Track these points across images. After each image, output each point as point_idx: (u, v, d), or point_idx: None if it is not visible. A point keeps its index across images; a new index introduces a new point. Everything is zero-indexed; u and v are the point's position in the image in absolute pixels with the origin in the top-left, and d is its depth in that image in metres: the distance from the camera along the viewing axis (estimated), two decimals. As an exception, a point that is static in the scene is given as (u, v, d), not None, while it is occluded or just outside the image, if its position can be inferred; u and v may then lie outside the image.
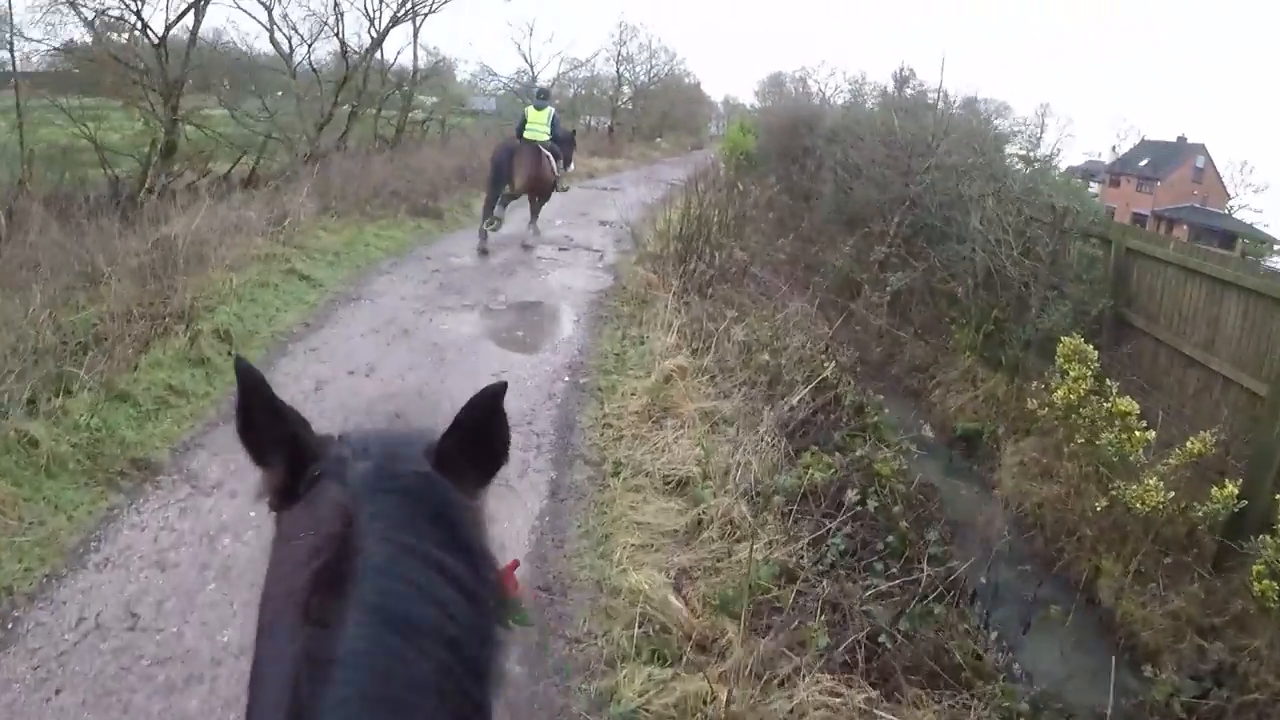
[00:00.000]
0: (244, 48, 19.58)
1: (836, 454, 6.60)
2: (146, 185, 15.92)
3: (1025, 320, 10.38)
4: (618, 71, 41.02)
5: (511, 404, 1.15)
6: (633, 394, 7.18)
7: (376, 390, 6.93)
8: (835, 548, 5.37)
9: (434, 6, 20.91)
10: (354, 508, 0.99)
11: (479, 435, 1.10)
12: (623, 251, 13.96)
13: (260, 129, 18.10)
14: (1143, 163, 58.98)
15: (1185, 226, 49.32)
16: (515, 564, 1.19)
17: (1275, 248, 48.59)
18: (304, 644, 0.92)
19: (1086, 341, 8.23)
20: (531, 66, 33.05)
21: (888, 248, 13.62)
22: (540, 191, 13.80)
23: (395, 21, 19.95)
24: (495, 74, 33.38)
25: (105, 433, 5.68)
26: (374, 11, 19.83)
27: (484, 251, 12.53)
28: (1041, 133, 34.20)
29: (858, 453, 6.49)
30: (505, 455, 1.13)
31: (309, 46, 19.16)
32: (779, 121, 28.28)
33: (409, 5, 19.93)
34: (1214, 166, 58.41)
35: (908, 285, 12.51)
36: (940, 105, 15.42)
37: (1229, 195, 59.42)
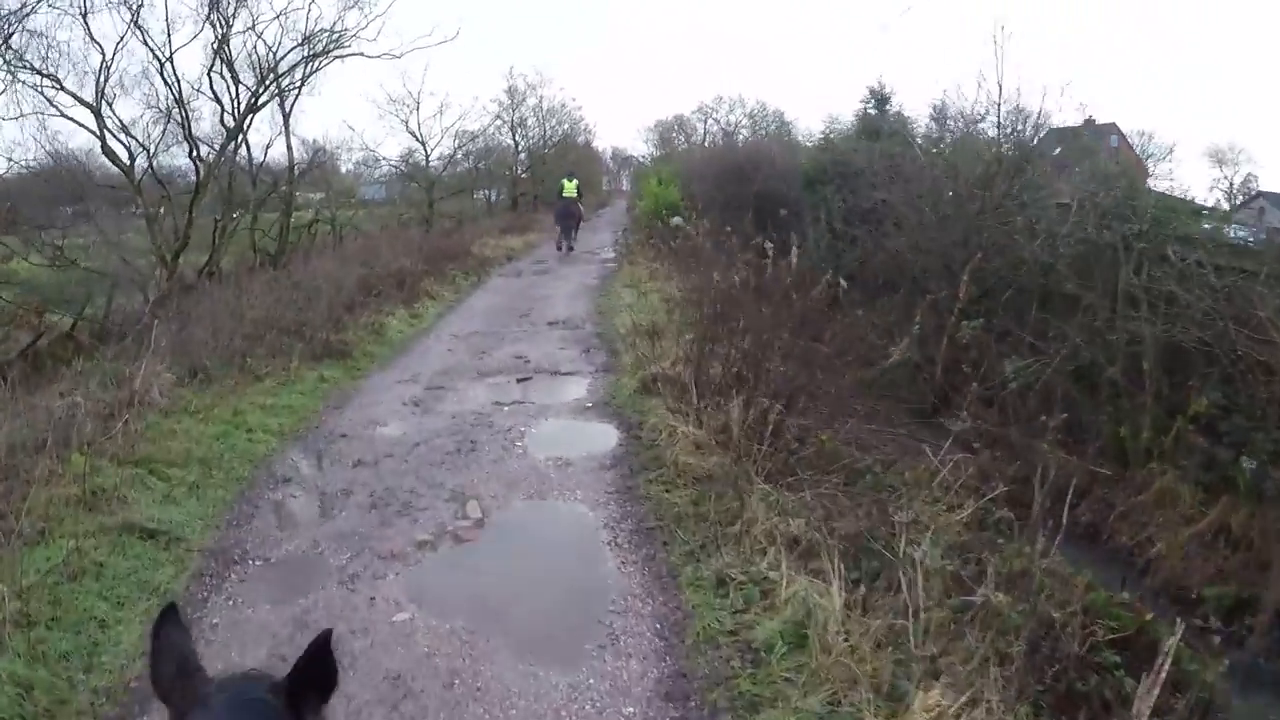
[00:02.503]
0: (66, 161, 15.32)
1: None
2: (-52, 368, 11.82)
3: (1258, 418, 7.09)
4: (514, 140, 37.51)
5: None
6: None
7: None
8: None
9: (303, 78, 17.10)
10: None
11: (313, 671, 1.37)
12: (604, 370, 10.35)
13: (100, 265, 14.02)
14: (1055, 151, 58.02)
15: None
16: None
17: (1205, 211, 47.52)
18: None
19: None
20: (424, 144, 29.35)
21: (964, 319, 10.16)
22: (579, 221, 24.43)
23: (255, 105, 16.02)
24: (384, 158, 29.49)
25: None
26: (232, 99, 15.93)
27: (562, 249, 23.00)
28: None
29: None
30: (336, 682, 1.40)
31: (149, 153, 15.07)
32: (714, 168, 24.99)
33: (270, 81, 16.04)
34: (1128, 143, 58.01)
35: (1034, 375, 9.06)
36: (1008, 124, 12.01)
37: (1147, 170, 59.07)
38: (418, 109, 28.87)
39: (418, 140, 29.15)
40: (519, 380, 10.12)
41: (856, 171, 14.20)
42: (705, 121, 57.03)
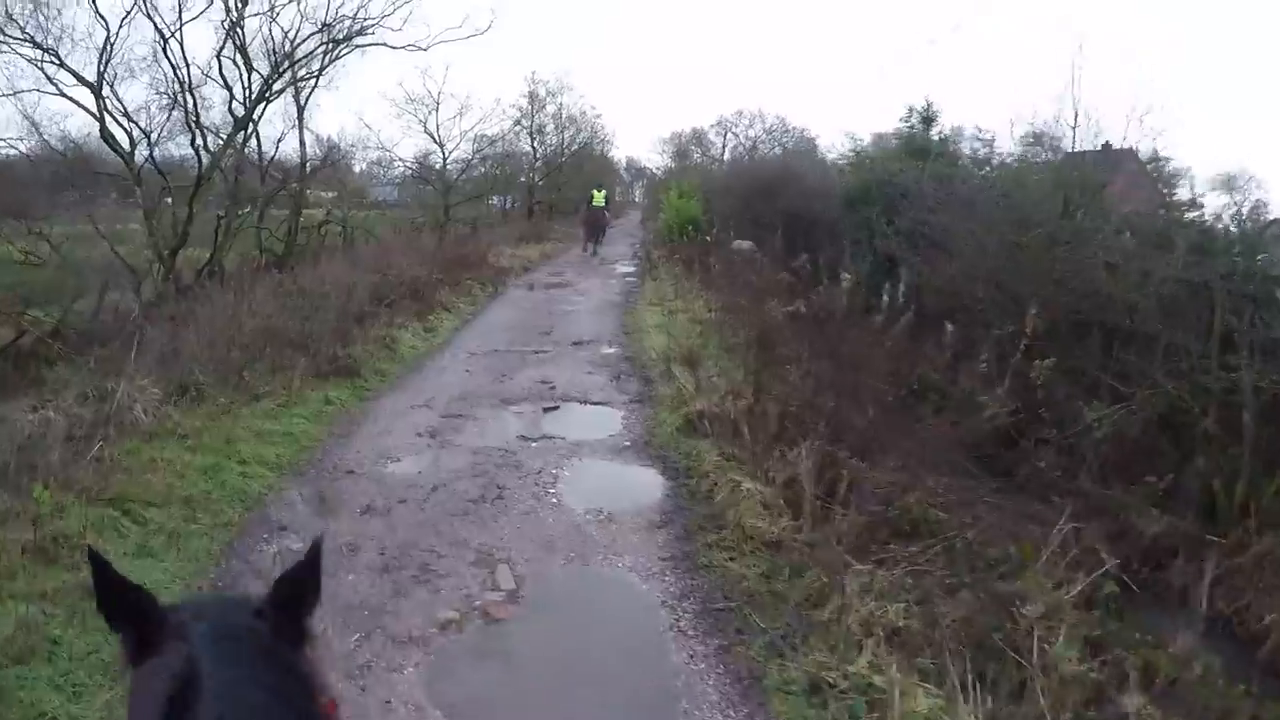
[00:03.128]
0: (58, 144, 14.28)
1: None
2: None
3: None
4: (533, 146, 36.61)
5: None
6: None
7: None
8: None
9: (320, 68, 16.08)
10: (196, 654, 1.13)
11: (300, 586, 1.27)
12: (639, 401, 9.36)
13: (87, 258, 13.04)
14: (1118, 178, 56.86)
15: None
16: (334, 704, 1.30)
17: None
18: None
19: None
20: (442, 146, 28.36)
21: (1038, 358, 9.13)
22: (604, 228, 27.02)
23: (266, 95, 14.99)
24: (400, 159, 28.45)
25: None
26: (244, 87, 14.89)
27: (588, 250, 25.82)
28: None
29: None
30: (318, 596, 1.29)
31: (149, 140, 14.06)
32: (740, 183, 24.08)
33: (285, 68, 15.00)
34: (1145, 170, 57.05)
35: (1116, 424, 8.05)
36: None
37: (1163, 194, 58.09)
38: (437, 109, 27.92)
39: (436, 142, 28.19)
40: (545, 410, 9.13)
41: (903, 193, 13.19)
42: (724, 135, 56.17)
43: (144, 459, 6.69)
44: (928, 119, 17.59)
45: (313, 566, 1.29)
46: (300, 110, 17.41)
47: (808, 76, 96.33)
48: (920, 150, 15.95)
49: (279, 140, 18.14)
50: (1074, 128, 10.27)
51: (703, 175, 39.29)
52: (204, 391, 8.39)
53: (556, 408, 9.24)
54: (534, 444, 7.91)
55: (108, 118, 13.38)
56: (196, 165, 14.33)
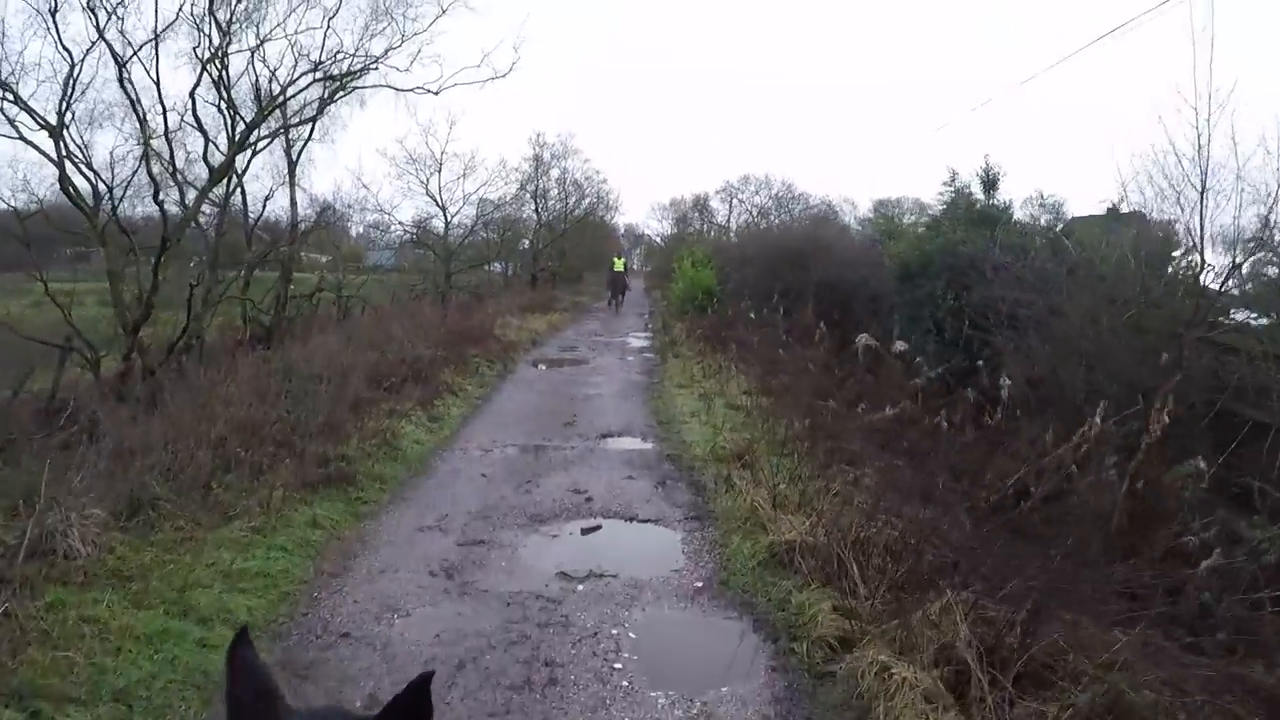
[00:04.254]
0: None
1: None
2: None
3: None
4: (537, 212, 35.23)
5: None
6: None
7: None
8: None
9: (315, 115, 14.47)
10: None
11: (409, 714, 1.18)
12: (695, 518, 7.70)
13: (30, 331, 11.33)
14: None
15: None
16: None
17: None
18: None
19: None
20: (444, 209, 26.81)
21: (1174, 464, 7.46)
22: (626, 288, 32.19)
23: (249, 141, 13.30)
24: (400, 223, 26.86)
25: None
26: (228, 134, 13.22)
27: (612, 306, 31.38)
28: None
29: None
30: None
31: (111, 193, 12.33)
32: (764, 251, 22.54)
33: (270, 110, 13.34)
34: (1150, 233, 56.10)
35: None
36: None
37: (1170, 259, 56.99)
38: (439, 170, 26.42)
39: (438, 205, 26.63)
40: (584, 531, 7.41)
41: (972, 263, 11.61)
42: (730, 202, 55.27)
43: (69, 621, 4.93)
44: (990, 182, 15.88)
45: (419, 697, 1.19)
46: (291, 165, 15.86)
47: (808, 141, 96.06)
48: (985, 217, 14.34)
49: (267, 198, 16.48)
50: (1201, 194, 8.60)
51: (712, 243, 38.29)
52: (161, 511, 6.65)
53: (598, 527, 7.51)
54: (580, 586, 6.16)
55: (69, 165, 11.68)
56: (162, 223, 12.48)
